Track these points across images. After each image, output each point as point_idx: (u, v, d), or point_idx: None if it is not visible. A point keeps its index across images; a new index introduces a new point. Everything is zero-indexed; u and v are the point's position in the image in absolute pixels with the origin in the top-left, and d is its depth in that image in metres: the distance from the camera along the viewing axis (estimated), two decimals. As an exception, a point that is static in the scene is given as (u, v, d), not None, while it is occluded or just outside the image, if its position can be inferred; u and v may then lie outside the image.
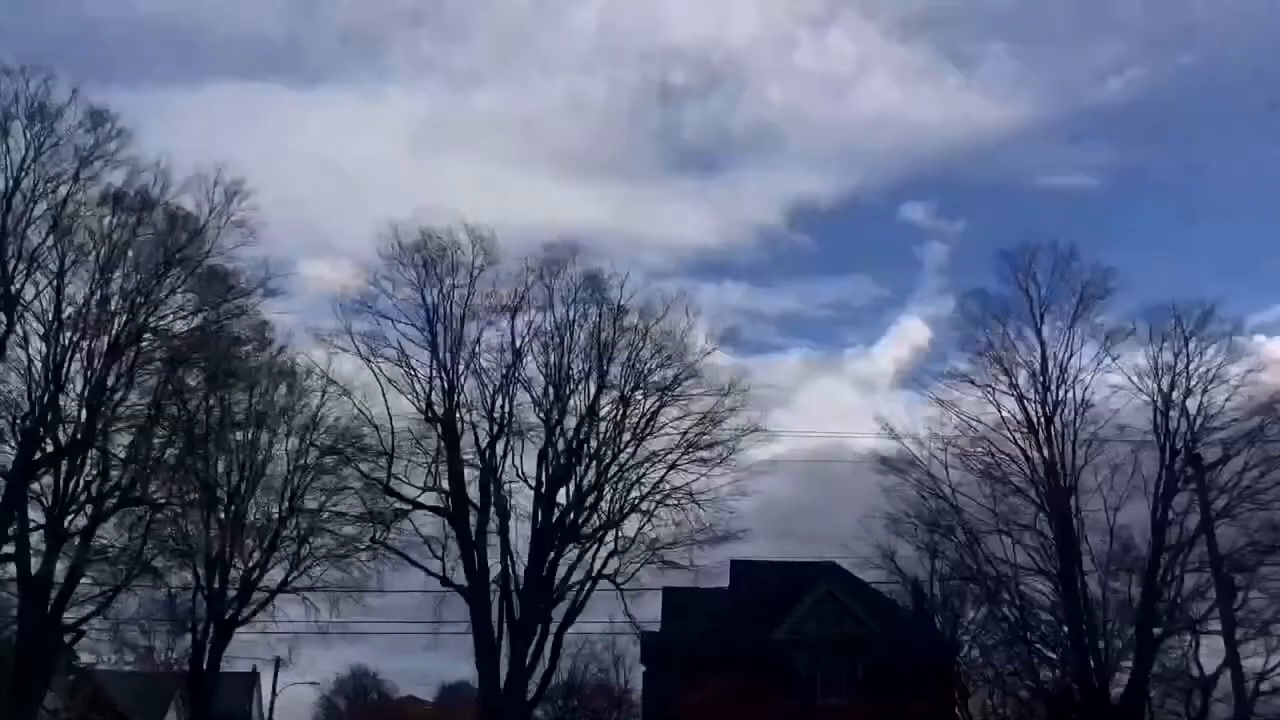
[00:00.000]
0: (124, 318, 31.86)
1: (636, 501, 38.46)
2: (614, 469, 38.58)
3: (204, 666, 37.49)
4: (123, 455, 32.25)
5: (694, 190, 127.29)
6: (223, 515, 37.11)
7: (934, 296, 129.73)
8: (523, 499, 38.00)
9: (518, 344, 38.93)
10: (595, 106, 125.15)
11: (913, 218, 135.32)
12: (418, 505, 37.80)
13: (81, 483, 31.52)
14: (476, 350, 38.85)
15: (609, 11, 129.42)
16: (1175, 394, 36.61)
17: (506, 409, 38.61)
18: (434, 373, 38.40)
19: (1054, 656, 38.31)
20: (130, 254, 32.16)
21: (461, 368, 38.66)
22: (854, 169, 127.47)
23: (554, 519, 37.72)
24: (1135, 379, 37.38)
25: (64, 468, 31.29)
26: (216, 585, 37.33)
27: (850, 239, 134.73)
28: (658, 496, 38.23)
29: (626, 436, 38.76)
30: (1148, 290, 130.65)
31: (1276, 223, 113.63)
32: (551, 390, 38.84)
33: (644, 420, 38.85)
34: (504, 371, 38.88)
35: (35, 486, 31.01)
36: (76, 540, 30.88)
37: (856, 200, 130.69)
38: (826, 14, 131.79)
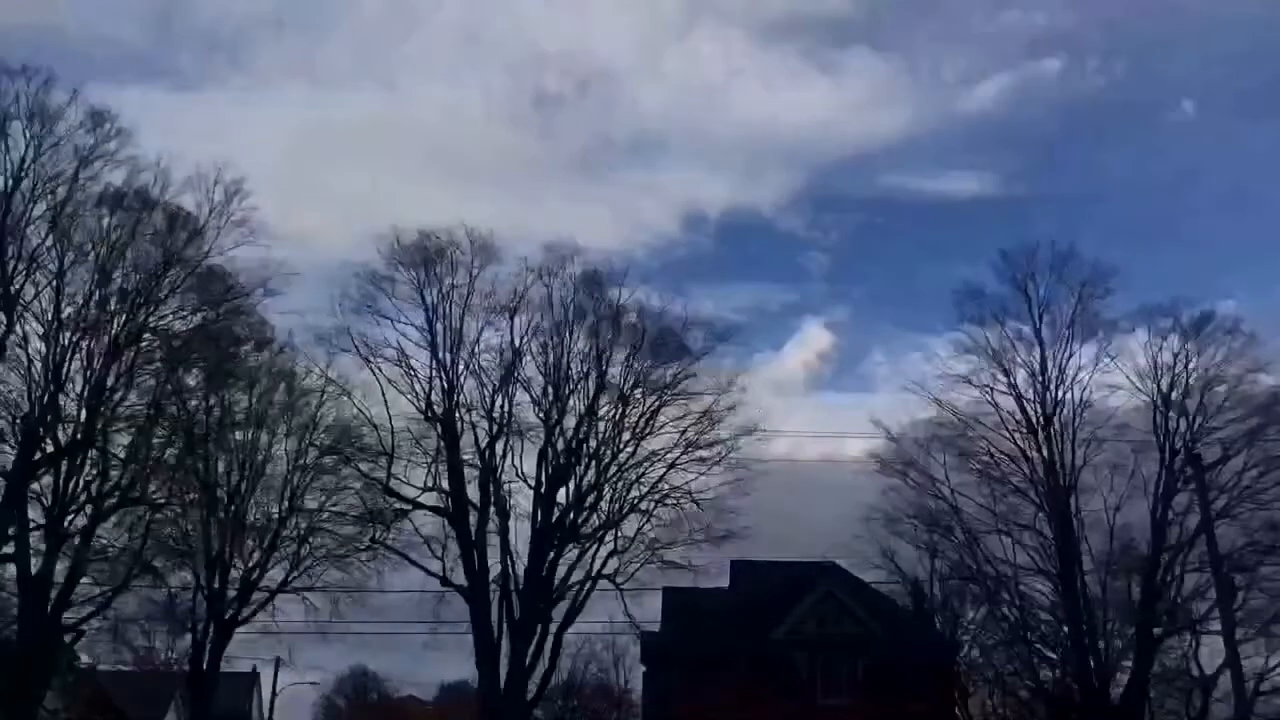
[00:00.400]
0: (123, 317, 31.89)
1: (636, 501, 38.52)
2: (613, 468, 38.61)
3: (204, 666, 37.47)
4: (122, 455, 32.27)
5: (581, 196, 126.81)
6: (223, 515, 37.08)
7: (829, 303, 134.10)
8: (522, 499, 38.10)
9: (517, 344, 39.03)
10: (472, 111, 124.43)
11: (795, 225, 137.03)
12: (417, 505, 37.84)
13: (81, 483, 31.54)
14: (476, 350, 38.95)
15: (471, 18, 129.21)
16: (1175, 394, 36.65)
17: (506, 409, 38.70)
18: (433, 372, 38.50)
19: (1054, 656, 38.31)
20: (130, 254, 32.21)
21: (461, 367, 38.76)
22: (736, 176, 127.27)
23: (554, 519, 37.73)
24: (1134, 379, 37.46)
25: (64, 468, 31.31)
26: (216, 585, 37.30)
27: (742, 246, 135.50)
28: (657, 496, 38.26)
29: (626, 436, 38.83)
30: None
31: (1153, 228, 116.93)
32: (551, 390, 38.88)
33: (643, 419, 38.90)
34: (503, 371, 38.95)
35: (35, 486, 31.04)
36: (76, 540, 30.88)
37: (744, 207, 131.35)
38: (686, 21, 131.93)
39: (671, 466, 38.43)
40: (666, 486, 38.28)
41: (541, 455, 38.27)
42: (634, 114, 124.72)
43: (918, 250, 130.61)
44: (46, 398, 30.65)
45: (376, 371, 38.12)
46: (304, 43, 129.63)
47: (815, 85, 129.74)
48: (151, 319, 32.42)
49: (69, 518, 31.10)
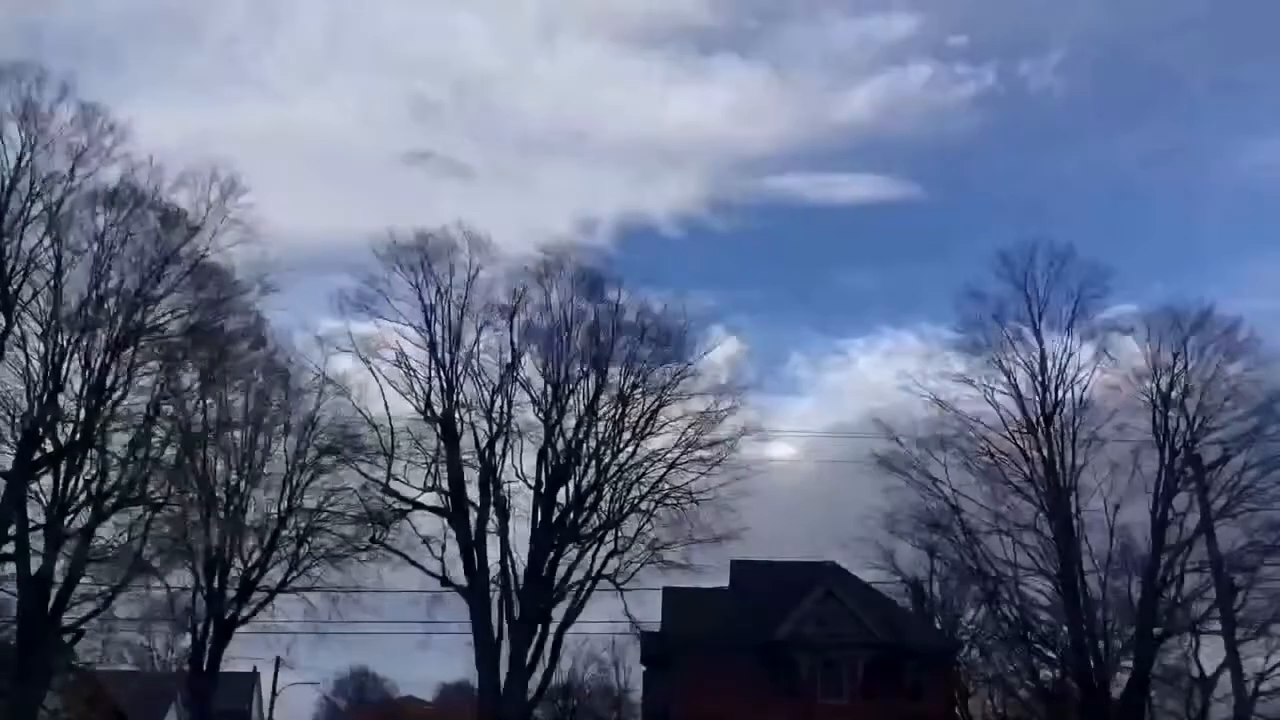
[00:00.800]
0: (121, 317, 31.82)
1: (636, 501, 38.49)
2: (613, 468, 38.60)
3: (204, 666, 37.44)
4: (122, 455, 32.20)
5: (470, 198, 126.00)
6: (222, 515, 37.05)
7: (732, 309, 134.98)
8: (522, 499, 38.10)
9: (516, 344, 39.01)
10: (347, 119, 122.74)
11: (688, 230, 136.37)
12: (417, 505, 37.81)
13: (81, 483, 31.47)
14: (475, 350, 38.93)
15: (337, 24, 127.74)
16: (1174, 394, 36.64)
17: (506, 409, 38.70)
18: (433, 372, 38.49)
19: (1054, 656, 38.32)
20: (126, 253, 32.11)
21: (460, 368, 38.73)
22: (625, 182, 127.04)
23: (554, 519, 37.72)
24: (1134, 379, 37.45)
25: (64, 468, 31.25)
26: (216, 585, 37.29)
27: (639, 251, 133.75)
28: (657, 496, 38.23)
29: (626, 436, 38.82)
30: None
31: (1033, 229, 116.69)
32: (550, 390, 38.87)
33: (643, 419, 38.88)
34: (503, 371, 38.95)
35: (35, 486, 30.98)
36: (76, 540, 30.83)
37: (636, 212, 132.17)
38: (548, 29, 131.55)
39: (672, 466, 38.42)
40: (666, 486, 38.27)
41: (541, 455, 38.27)
42: (514, 120, 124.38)
43: (811, 254, 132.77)
44: (45, 398, 30.58)
45: (375, 371, 38.22)
46: (171, 50, 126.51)
47: (689, 93, 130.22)
48: (149, 318, 32.37)
49: (69, 518, 31.03)
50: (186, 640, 39.41)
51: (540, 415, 38.84)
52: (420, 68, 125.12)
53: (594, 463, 38.56)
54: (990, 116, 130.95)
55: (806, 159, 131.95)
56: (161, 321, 32.68)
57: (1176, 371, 36.77)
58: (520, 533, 37.42)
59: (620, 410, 38.83)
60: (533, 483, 38.06)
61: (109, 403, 31.74)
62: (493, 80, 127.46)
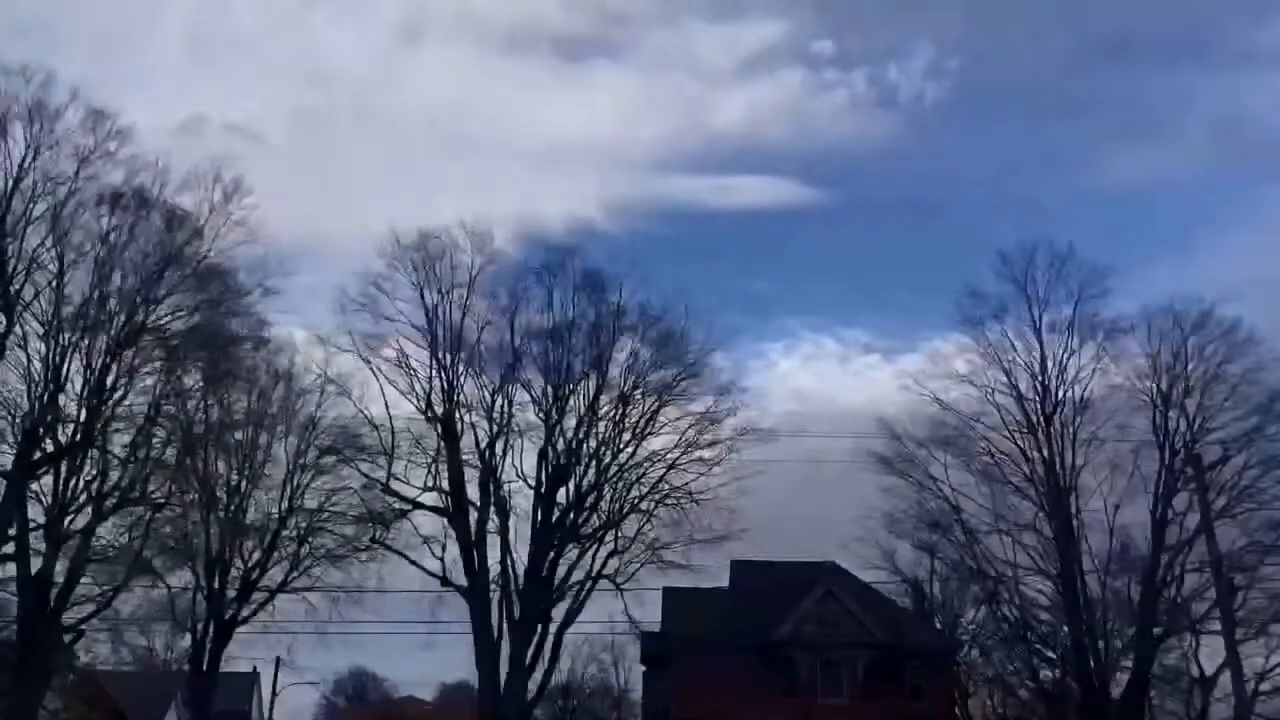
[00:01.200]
0: (123, 317, 31.84)
1: (636, 501, 38.46)
2: (614, 469, 38.58)
3: (204, 666, 37.48)
4: (122, 455, 32.21)
5: (365, 205, 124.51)
6: (223, 515, 37.08)
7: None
8: (522, 499, 38.06)
9: (517, 344, 39.01)
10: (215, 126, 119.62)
11: (582, 236, 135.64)
12: (417, 505, 37.80)
13: (81, 483, 31.48)
14: (476, 350, 38.93)
15: (197, 30, 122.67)
16: (1174, 393, 36.65)
17: (506, 409, 38.67)
18: (433, 372, 38.48)
19: (1054, 656, 38.34)
20: (129, 254, 32.16)
21: (461, 367, 38.73)
22: (517, 187, 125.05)
23: (554, 519, 37.71)
24: (1134, 379, 37.47)
25: (64, 468, 31.26)
26: (216, 585, 37.32)
27: (536, 257, 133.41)
28: (657, 496, 38.22)
29: (626, 436, 38.81)
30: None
31: (924, 233, 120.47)
32: (551, 390, 38.86)
33: (643, 420, 38.89)
34: (503, 371, 38.97)
35: (35, 486, 30.98)
36: (76, 540, 30.83)
37: (530, 218, 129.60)
38: (413, 33, 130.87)
39: (672, 467, 38.41)
40: (667, 487, 38.25)
41: (541, 455, 38.26)
42: (393, 126, 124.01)
43: (706, 257, 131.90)
44: (46, 398, 30.59)
45: (376, 371, 38.21)
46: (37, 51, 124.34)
47: (567, 98, 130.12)
48: (150, 319, 32.37)
49: (69, 518, 31.03)
50: (186, 640, 39.48)
51: (540, 415, 38.87)
52: (284, 69, 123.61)
53: (594, 463, 38.56)
54: (866, 121, 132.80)
55: (694, 163, 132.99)
56: (163, 322, 32.71)
57: (1176, 371, 36.82)
58: (520, 533, 37.47)
59: (621, 410, 38.85)
60: (533, 483, 38.10)
61: (110, 403, 31.76)
62: (363, 84, 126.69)
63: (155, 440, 33.10)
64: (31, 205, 30.53)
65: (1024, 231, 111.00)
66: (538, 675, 37.33)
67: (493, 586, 36.74)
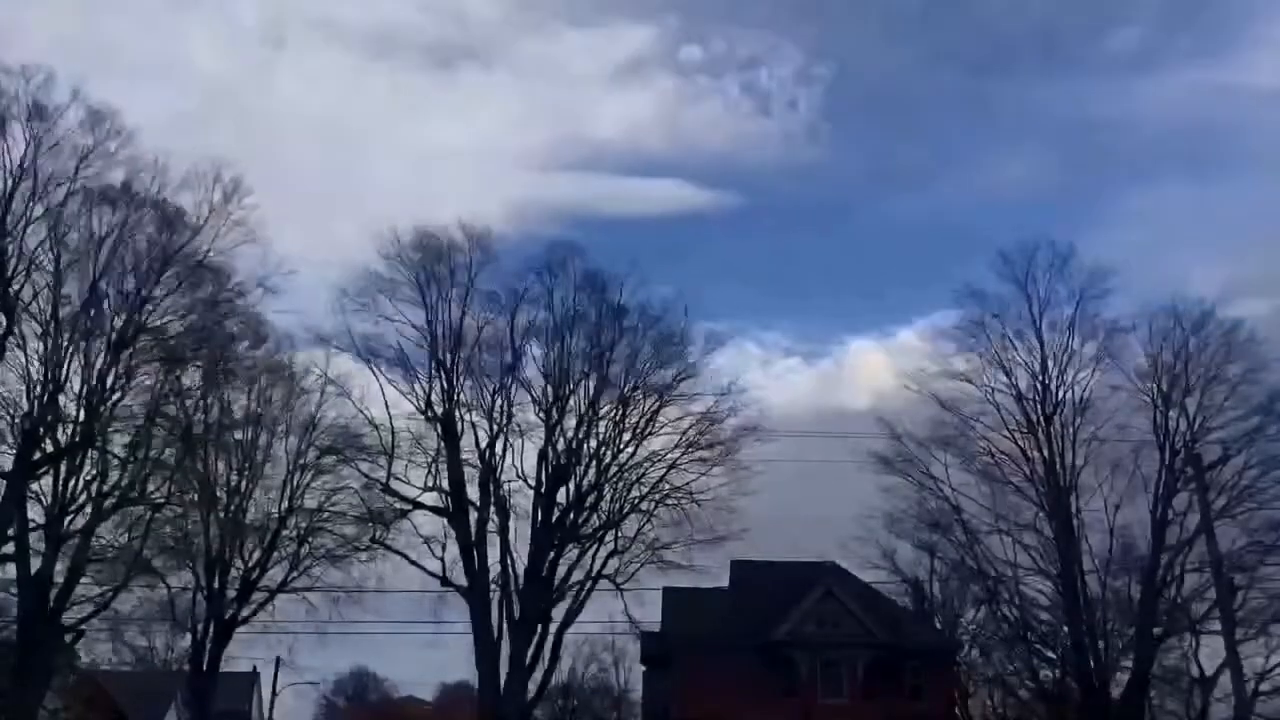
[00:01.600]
0: (122, 317, 31.85)
1: (636, 501, 38.45)
2: (614, 469, 38.56)
3: (204, 666, 37.48)
4: (122, 455, 32.22)
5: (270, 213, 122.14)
6: (222, 515, 37.07)
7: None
8: (522, 499, 38.05)
9: (517, 344, 38.99)
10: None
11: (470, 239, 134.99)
12: (418, 505, 37.79)
13: (81, 483, 31.50)
14: (476, 350, 38.88)
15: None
16: (1175, 393, 36.64)
17: (506, 409, 38.64)
18: (433, 372, 38.46)
19: (1054, 656, 38.33)
20: (128, 254, 32.14)
21: (461, 367, 38.69)
22: (401, 191, 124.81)
23: (554, 519, 37.70)
24: (1134, 379, 37.46)
25: (64, 468, 31.27)
26: (216, 585, 37.32)
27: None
28: (657, 496, 38.21)
29: (626, 436, 38.79)
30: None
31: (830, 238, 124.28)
32: (551, 390, 38.84)
33: (644, 420, 38.86)
34: (503, 371, 38.93)
35: (35, 486, 31.00)
36: (76, 540, 30.84)
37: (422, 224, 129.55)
38: (278, 40, 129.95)
39: (672, 467, 38.40)
40: (667, 487, 38.23)
41: (541, 455, 38.25)
42: (270, 129, 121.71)
43: (610, 262, 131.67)
44: (46, 398, 30.61)
45: (376, 371, 38.19)
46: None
47: (445, 101, 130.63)
48: (150, 319, 32.38)
49: (69, 518, 31.05)
50: (186, 640, 39.45)
51: (541, 415, 38.85)
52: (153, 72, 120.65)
53: (594, 463, 38.55)
54: (745, 125, 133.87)
55: (582, 166, 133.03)
56: (162, 322, 32.72)
57: (1177, 371, 36.78)
58: (520, 533, 37.48)
59: (621, 410, 38.83)
60: (533, 483, 38.09)
61: (109, 403, 31.78)
62: (234, 88, 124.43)
63: (155, 440, 33.10)
64: (31, 205, 30.55)
65: (907, 236, 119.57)
66: (538, 675, 37.37)
67: (493, 586, 36.75)
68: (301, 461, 38.65)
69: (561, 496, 38.12)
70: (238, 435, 38.21)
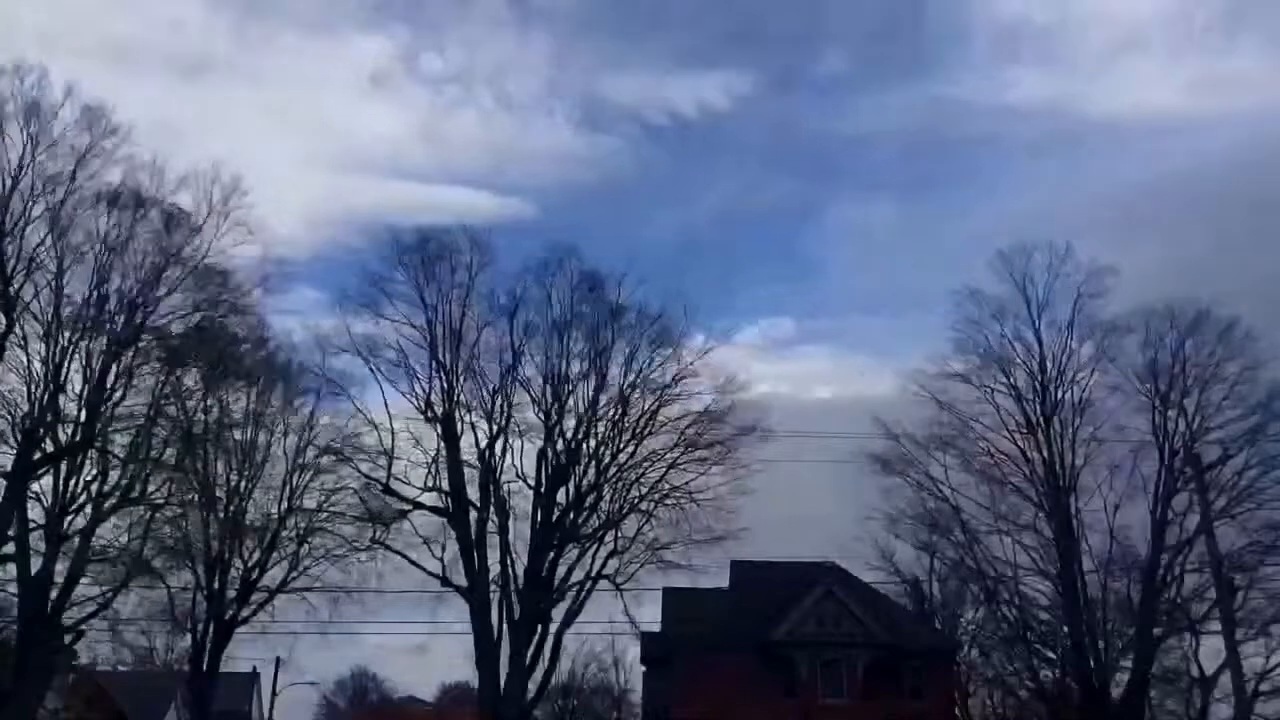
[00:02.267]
0: (122, 318, 31.86)
1: (636, 501, 38.42)
2: (613, 469, 38.53)
3: (204, 666, 37.47)
4: (122, 455, 32.24)
5: None
6: (222, 515, 37.08)
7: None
8: (522, 499, 38.01)
9: (516, 344, 38.97)
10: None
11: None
12: (417, 505, 37.76)
13: (81, 483, 31.54)
14: (475, 350, 38.90)
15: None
16: (1173, 394, 36.66)
17: (505, 409, 38.61)
18: (433, 373, 38.45)
19: (1054, 656, 38.34)
20: (128, 254, 32.18)
21: (460, 367, 38.69)
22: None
23: (554, 519, 37.69)
24: (1133, 379, 37.46)
25: (64, 468, 31.30)
26: (216, 585, 37.32)
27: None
28: (657, 496, 38.20)
29: (625, 436, 38.75)
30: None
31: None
32: (550, 390, 38.84)
33: (643, 419, 38.85)
34: (503, 371, 38.91)
35: (35, 486, 31.02)
36: (76, 540, 30.85)
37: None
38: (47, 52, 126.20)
39: (671, 466, 38.37)
40: (666, 486, 38.22)
41: (541, 455, 38.24)
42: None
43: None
44: (46, 398, 30.63)
45: (376, 371, 38.20)
46: None
47: (202, 112, 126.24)
48: (150, 319, 32.41)
49: (69, 518, 31.08)
50: (186, 640, 39.43)
51: (540, 415, 38.84)
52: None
53: (594, 463, 38.52)
54: (497, 132, 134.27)
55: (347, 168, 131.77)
56: (163, 322, 32.76)
57: (1175, 371, 36.80)
58: (520, 533, 37.43)
59: (620, 410, 38.82)
60: (533, 483, 38.06)
61: (110, 403, 31.79)
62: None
63: (155, 440, 33.12)
64: (30, 205, 30.56)
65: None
66: (538, 675, 37.32)
67: (492, 587, 36.73)
68: (301, 461, 38.69)
69: (561, 497, 38.13)
70: (238, 435, 38.22)
